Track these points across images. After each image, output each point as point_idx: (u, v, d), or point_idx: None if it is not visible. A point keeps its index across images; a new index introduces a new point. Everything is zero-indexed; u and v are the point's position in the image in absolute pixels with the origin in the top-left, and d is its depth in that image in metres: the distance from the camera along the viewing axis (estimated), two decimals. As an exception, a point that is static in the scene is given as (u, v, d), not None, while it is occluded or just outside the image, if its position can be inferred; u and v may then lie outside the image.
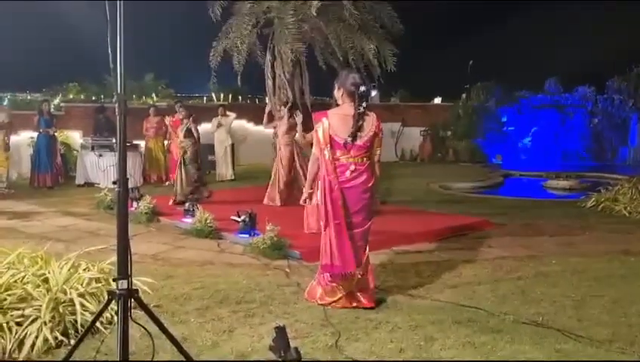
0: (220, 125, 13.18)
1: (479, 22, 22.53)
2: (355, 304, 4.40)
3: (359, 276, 4.39)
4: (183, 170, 9.10)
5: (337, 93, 4.47)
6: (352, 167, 4.33)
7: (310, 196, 4.84)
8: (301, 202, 4.98)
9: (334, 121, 4.36)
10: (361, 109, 4.30)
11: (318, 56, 9.81)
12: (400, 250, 6.34)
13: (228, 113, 13.35)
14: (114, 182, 2.55)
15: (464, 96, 19.72)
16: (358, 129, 4.29)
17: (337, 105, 4.52)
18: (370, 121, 4.37)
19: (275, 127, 9.34)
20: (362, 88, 4.32)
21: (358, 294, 4.42)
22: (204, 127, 13.24)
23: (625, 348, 3.63)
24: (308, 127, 7.73)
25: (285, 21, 8.99)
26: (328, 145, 4.33)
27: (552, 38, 22.45)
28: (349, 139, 4.28)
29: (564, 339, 3.76)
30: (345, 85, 4.38)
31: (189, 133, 9.13)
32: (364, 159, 4.37)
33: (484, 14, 21.83)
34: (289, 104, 9.16)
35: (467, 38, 22.08)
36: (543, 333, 3.87)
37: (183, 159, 9.13)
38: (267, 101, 10.22)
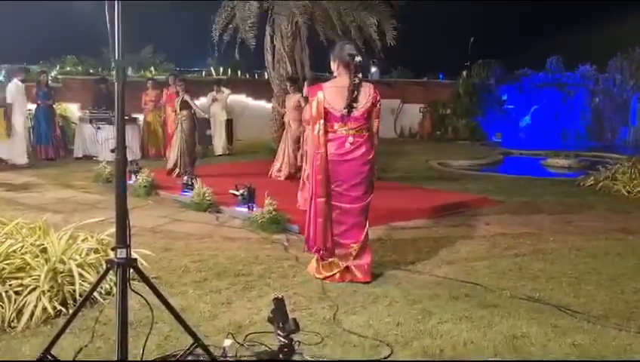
0: (215, 100, 13.11)
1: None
2: (350, 278, 4.41)
3: (356, 251, 4.39)
4: (183, 142, 9.05)
5: (333, 66, 4.40)
6: (351, 139, 4.28)
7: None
8: (304, 178, 4.98)
9: (330, 94, 4.30)
10: (357, 80, 4.24)
11: (319, 31, 9.72)
12: (398, 225, 6.35)
13: (223, 89, 13.26)
14: (112, 150, 2.52)
15: (465, 73, 19.58)
16: (353, 100, 4.24)
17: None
18: (367, 92, 4.31)
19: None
20: (357, 58, 4.24)
21: (354, 269, 4.43)
22: (201, 101, 13.13)
23: (621, 323, 3.65)
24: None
25: None
26: (321, 120, 4.28)
27: (554, 15, 22.19)
28: (345, 111, 4.24)
29: (560, 315, 3.79)
30: (340, 56, 4.31)
31: (185, 106, 9.03)
32: (363, 131, 4.32)
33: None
34: (295, 78, 9.03)
35: (468, 14, 21.81)
36: (540, 309, 3.90)
37: (181, 132, 9.08)
38: (267, 76, 10.14)
